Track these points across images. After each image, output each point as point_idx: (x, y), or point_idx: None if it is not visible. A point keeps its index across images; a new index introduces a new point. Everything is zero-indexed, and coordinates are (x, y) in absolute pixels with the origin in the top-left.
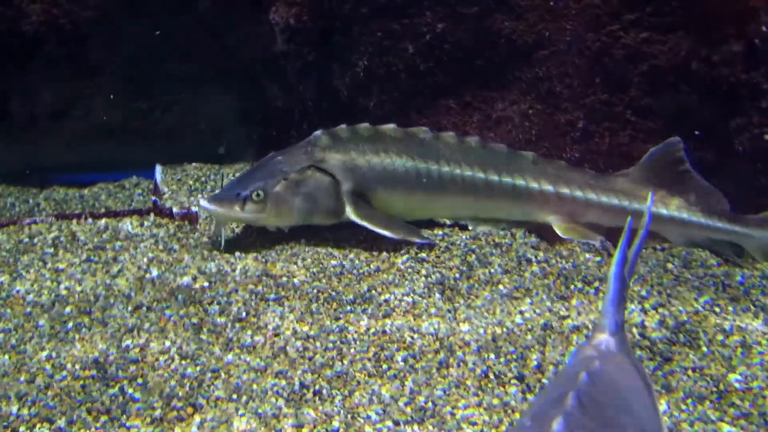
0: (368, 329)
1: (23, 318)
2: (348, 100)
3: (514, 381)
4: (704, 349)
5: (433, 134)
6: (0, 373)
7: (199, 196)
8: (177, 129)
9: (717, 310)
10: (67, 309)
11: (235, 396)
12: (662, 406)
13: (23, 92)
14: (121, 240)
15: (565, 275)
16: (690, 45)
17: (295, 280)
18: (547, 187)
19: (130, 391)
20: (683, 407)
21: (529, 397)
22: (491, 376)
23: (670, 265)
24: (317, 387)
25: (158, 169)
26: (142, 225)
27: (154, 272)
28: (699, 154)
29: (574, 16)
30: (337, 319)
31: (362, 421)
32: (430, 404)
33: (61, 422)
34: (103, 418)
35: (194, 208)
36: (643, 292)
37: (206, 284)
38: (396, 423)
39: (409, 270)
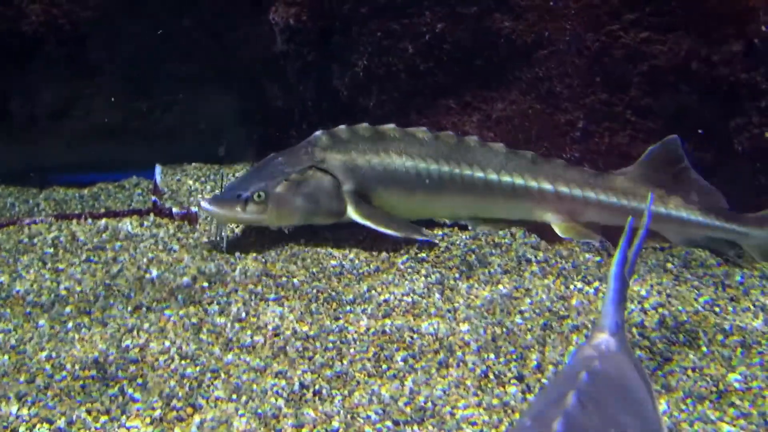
0: (368, 329)
1: (23, 318)
2: (348, 100)
3: (513, 381)
4: (704, 349)
5: (433, 134)
6: (0, 373)
7: (200, 197)
8: (177, 129)
9: (717, 309)
10: (67, 309)
11: (234, 396)
12: (662, 405)
13: (23, 92)
14: (121, 240)
15: (564, 275)
16: (690, 45)
17: (295, 280)
18: (546, 185)
19: (130, 391)
20: (683, 407)
21: (529, 397)
22: (491, 376)
23: (669, 265)
24: (317, 387)
25: (158, 169)
26: (141, 225)
27: (154, 272)
28: (699, 154)
29: (573, 16)
30: (337, 319)
31: (362, 421)
32: (429, 404)
33: (61, 422)
34: (103, 418)
35: (194, 209)
36: (643, 292)
37: (206, 284)
38: (396, 423)
39: (409, 270)
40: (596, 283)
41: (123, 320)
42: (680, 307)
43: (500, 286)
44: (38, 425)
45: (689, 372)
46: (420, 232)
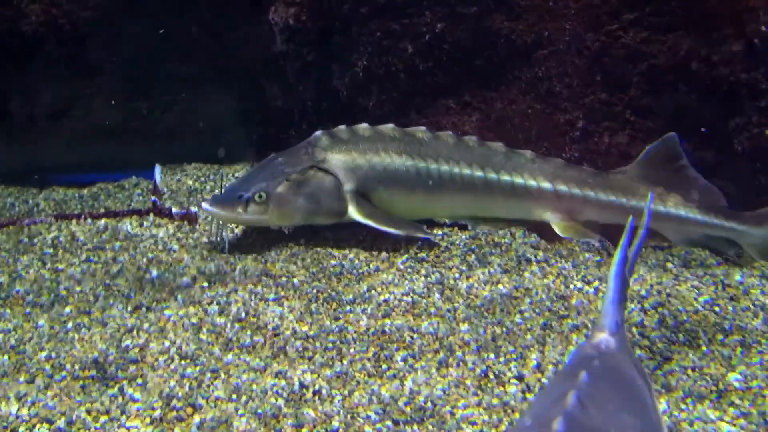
0: (368, 329)
1: (23, 318)
2: (347, 100)
3: (513, 380)
4: (704, 348)
5: (432, 134)
6: (0, 373)
7: (200, 198)
8: (176, 129)
9: (716, 309)
10: (67, 309)
11: (234, 396)
12: (662, 405)
13: (23, 92)
14: (121, 240)
15: (564, 275)
16: (689, 45)
17: (295, 280)
18: (545, 184)
19: (130, 391)
20: (683, 406)
21: (529, 396)
22: (491, 375)
23: (669, 265)
24: (317, 387)
25: (158, 169)
26: (141, 225)
27: (154, 272)
28: (699, 154)
29: (573, 16)
30: (337, 318)
31: (362, 420)
32: (429, 404)
33: (61, 422)
34: (103, 418)
35: (193, 209)
36: (643, 292)
37: (206, 284)
38: (395, 423)
39: (409, 270)
40: (596, 283)
41: (123, 320)
42: (680, 307)
43: (500, 286)
44: (38, 425)
45: (689, 371)
46: (422, 230)
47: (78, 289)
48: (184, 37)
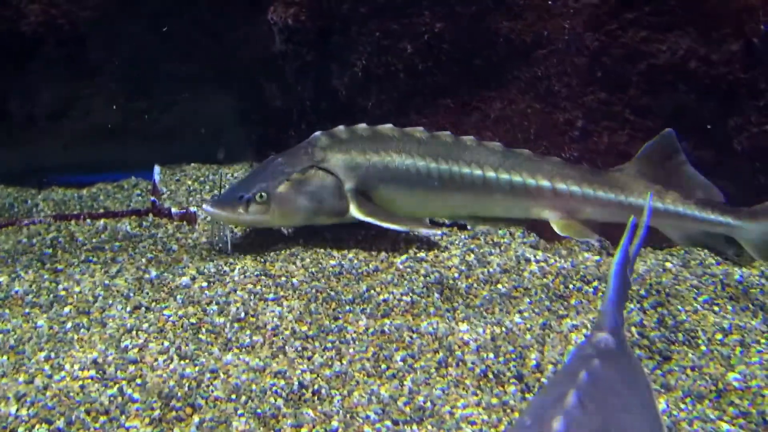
0: (367, 329)
1: (22, 318)
2: (346, 100)
3: (513, 380)
4: (703, 348)
5: (430, 133)
6: None
7: (200, 198)
8: (176, 129)
9: (716, 309)
10: (66, 309)
11: (234, 396)
12: (661, 405)
13: (22, 93)
14: (120, 240)
15: (563, 274)
16: (689, 44)
17: (294, 280)
18: (544, 182)
19: (129, 391)
20: (682, 406)
21: (528, 396)
22: (490, 375)
23: (668, 264)
24: (316, 387)
25: (157, 169)
26: (140, 225)
27: (153, 272)
28: (698, 153)
29: (572, 16)
30: (336, 318)
31: (361, 420)
32: (429, 404)
33: (60, 423)
34: (102, 418)
35: (193, 209)
36: (642, 291)
37: (205, 284)
38: (395, 423)
39: (408, 270)
40: (595, 283)
41: (122, 320)
42: (679, 306)
43: (499, 286)
44: (37, 425)
45: (688, 371)
46: (424, 224)
47: (77, 289)
48: (184, 37)
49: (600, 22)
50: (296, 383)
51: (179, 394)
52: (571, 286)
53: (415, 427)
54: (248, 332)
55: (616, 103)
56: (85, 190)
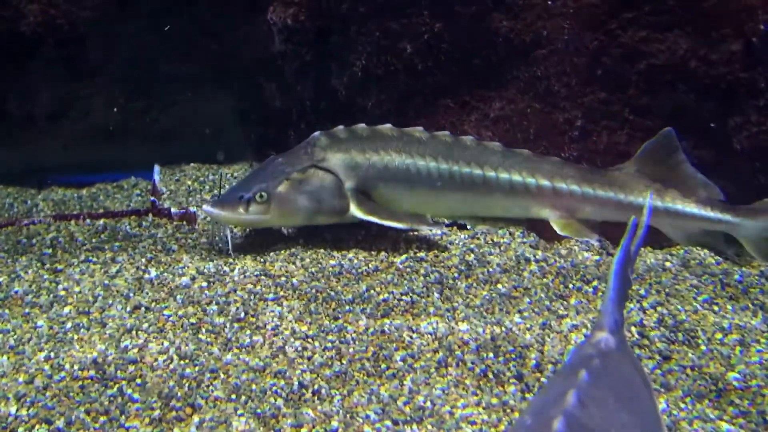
0: (367, 329)
1: (22, 318)
2: (346, 100)
3: (513, 380)
4: (703, 347)
5: (429, 133)
6: None
7: (200, 198)
8: (175, 129)
9: (716, 308)
10: (66, 309)
11: (233, 396)
12: (661, 404)
13: (22, 93)
14: (120, 240)
15: (563, 274)
16: (688, 44)
17: (294, 280)
18: (544, 182)
19: (129, 391)
20: (682, 406)
21: (528, 396)
22: (490, 375)
23: (668, 264)
24: (316, 387)
25: (157, 169)
26: (140, 225)
27: (153, 272)
28: (698, 153)
29: (571, 15)
30: (336, 318)
31: (361, 420)
32: (428, 404)
33: (60, 423)
34: (102, 418)
35: (192, 209)
36: (642, 291)
37: (205, 284)
38: (395, 422)
39: (408, 269)
40: (595, 282)
41: (122, 320)
42: (679, 306)
43: (499, 285)
44: (37, 426)
45: (688, 371)
46: (426, 221)
47: (77, 289)
48: (183, 37)
49: (599, 21)
50: (296, 383)
51: (179, 394)
52: (570, 285)
53: (415, 426)
54: (248, 332)
55: (615, 102)
56: (84, 190)
